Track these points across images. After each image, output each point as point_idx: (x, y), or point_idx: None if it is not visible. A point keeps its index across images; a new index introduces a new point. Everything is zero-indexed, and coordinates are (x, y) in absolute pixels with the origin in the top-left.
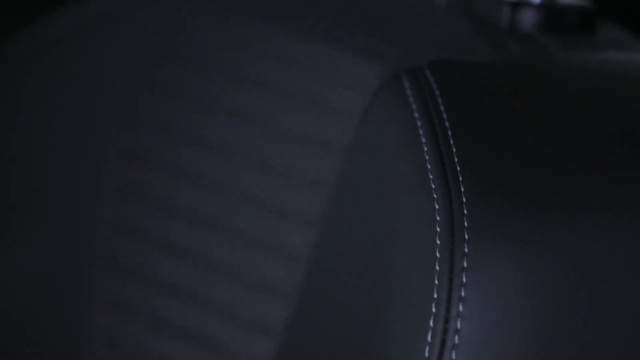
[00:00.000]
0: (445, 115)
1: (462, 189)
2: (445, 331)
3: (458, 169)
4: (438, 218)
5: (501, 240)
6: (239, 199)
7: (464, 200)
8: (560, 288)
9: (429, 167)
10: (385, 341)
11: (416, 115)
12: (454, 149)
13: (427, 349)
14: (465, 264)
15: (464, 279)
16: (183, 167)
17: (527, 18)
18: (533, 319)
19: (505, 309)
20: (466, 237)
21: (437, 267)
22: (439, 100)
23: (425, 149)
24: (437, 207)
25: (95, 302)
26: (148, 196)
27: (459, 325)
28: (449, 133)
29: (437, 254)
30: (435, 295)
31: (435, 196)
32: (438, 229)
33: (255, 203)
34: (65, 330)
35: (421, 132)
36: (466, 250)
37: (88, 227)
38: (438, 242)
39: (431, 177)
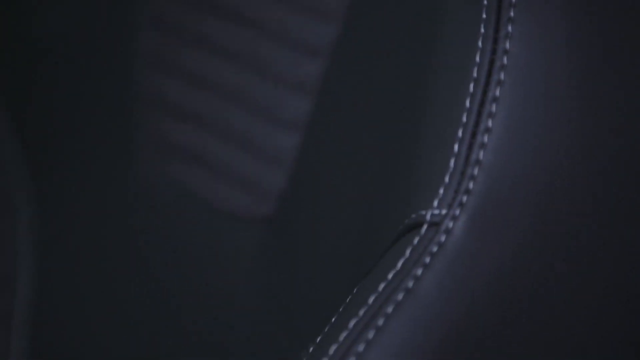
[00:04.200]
0: None
1: None
2: (494, 51)
3: None
4: None
5: None
6: None
7: None
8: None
9: None
10: (433, 60)
11: None
12: None
13: (475, 69)
14: None
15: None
16: None
17: None
18: (577, 42)
19: (553, 32)
20: None
21: None
22: None
23: None
24: None
25: (140, 61)
26: None
27: (507, 46)
28: None
29: None
30: (484, 16)
31: None
32: None
33: None
34: (118, 93)
35: None
36: None
37: None
38: None
39: None
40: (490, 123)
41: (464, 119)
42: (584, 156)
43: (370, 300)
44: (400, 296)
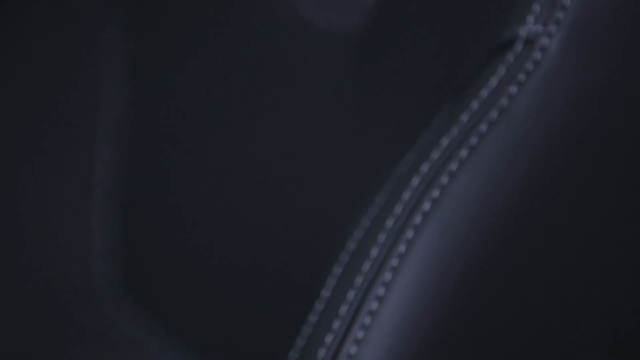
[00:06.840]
0: None
1: None
2: None
3: None
4: None
5: None
6: None
7: None
8: None
9: None
10: None
11: None
12: None
13: None
14: None
15: None
16: None
17: None
18: None
19: None
20: None
21: None
22: None
23: None
24: None
25: None
26: None
27: None
28: None
29: None
30: None
31: None
32: None
33: None
34: None
35: None
36: None
37: None
38: None
39: None
40: None
41: None
42: None
43: (464, 118)
44: (494, 115)
